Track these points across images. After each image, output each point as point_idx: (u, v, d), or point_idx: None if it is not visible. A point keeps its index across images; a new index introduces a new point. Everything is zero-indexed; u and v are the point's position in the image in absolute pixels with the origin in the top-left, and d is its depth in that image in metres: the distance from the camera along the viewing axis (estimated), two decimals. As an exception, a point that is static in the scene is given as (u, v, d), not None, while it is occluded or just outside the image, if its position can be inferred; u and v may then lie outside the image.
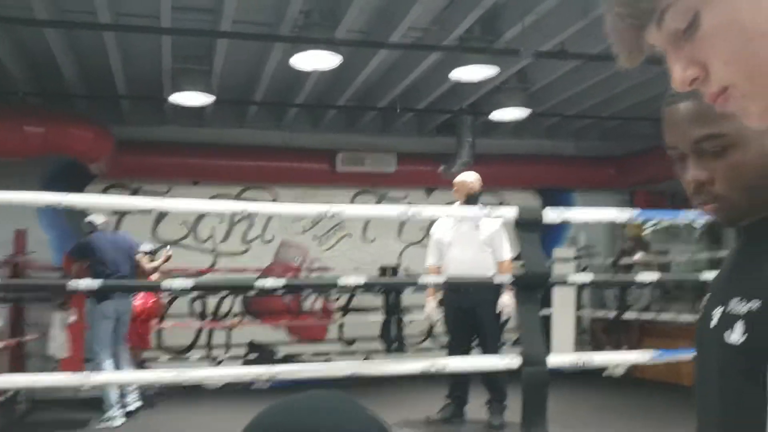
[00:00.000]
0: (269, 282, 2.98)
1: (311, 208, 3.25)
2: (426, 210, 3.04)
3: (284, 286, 3.29)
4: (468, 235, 5.44)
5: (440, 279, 3.28)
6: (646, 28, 0.73)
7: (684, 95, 0.97)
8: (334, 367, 2.96)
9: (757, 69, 0.67)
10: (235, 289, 6.62)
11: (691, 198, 1.16)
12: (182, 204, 3.65)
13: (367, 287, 5.82)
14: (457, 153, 8.44)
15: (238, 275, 7.97)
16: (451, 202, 8.97)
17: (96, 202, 4.19)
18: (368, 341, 8.66)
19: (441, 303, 5.74)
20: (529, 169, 9.07)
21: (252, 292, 7.88)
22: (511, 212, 3.28)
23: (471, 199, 5.45)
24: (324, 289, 7.94)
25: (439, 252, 5.61)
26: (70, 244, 7.89)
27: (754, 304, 0.89)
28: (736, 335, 0.94)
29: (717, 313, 1.03)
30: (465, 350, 5.56)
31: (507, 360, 3.22)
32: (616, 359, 3.80)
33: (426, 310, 5.78)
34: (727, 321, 0.97)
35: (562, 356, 3.32)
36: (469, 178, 5.58)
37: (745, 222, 1.06)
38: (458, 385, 5.66)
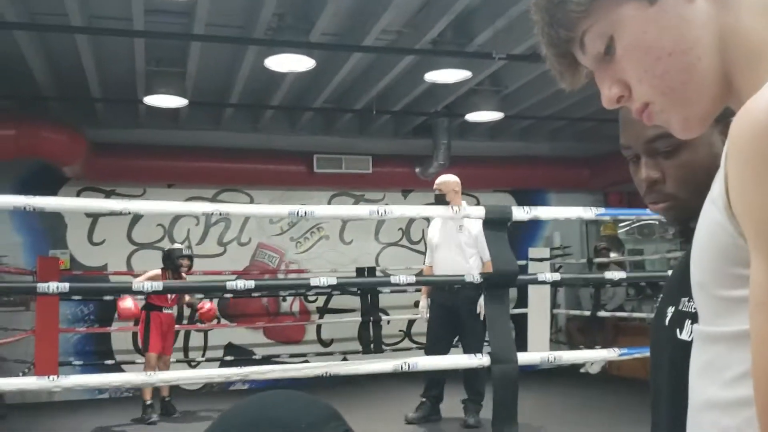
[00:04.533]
0: (240, 282, 2.99)
1: (283, 209, 3.26)
2: (397, 209, 3.08)
3: (257, 288, 3.30)
4: (452, 237, 5.56)
5: (412, 279, 3.32)
6: (574, 54, 0.78)
7: None
8: (307, 367, 2.98)
9: (668, 85, 0.72)
10: (209, 291, 6.57)
11: (644, 197, 1.20)
12: (152, 206, 3.65)
13: (340, 287, 5.86)
14: (433, 155, 8.50)
15: (212, 277, 7.94)
16: (430, 203, 9.02)
17: (67, 205, 4.17)
18: (346, 342, 8.68)
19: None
20: (504, 170, 9.15)
21: (228, 295, 7.86)
22: (479, 211, 3.32)
23: (437, 199, 5.52)
24: (298, 289, 7.97)
25: (431, 253, 5.83)
26: (43, 247, 7.89)
27: None
28: (686, 333, 0.98)
29: (670, 311, 1.07)
30: (444, 348, 5.63)
31: (477, 359, 3.27)
32: (585, 356, 3.86)
33: (420, 307, 5.96)
34: (679, 319, 1.02)
35: (531, 354, 3.37)
36: (451, 178, 5.62)
37: (694, 222, 1.10)
38: (434, 383, 5.73)
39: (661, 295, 1.15)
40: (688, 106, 0.73)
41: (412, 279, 3.35)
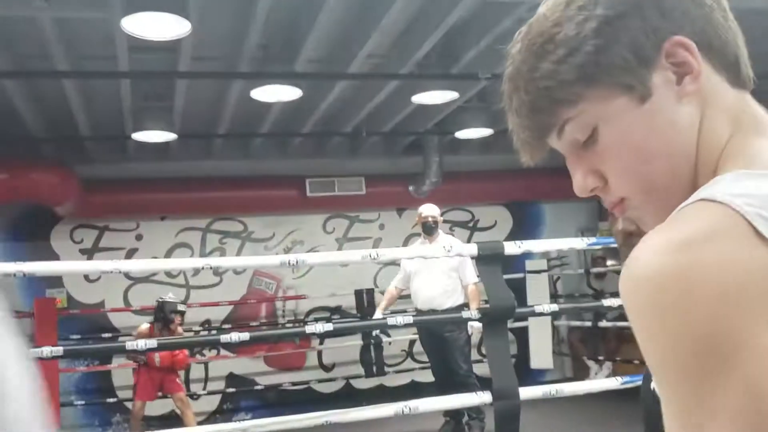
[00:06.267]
0: (234, 336, 2.96)
1: (275, 260, 3.23)
2: (389, 252, 3.06)
3: (251, 339, 3.27)
4: (432, 264, 5.59)
5: (407, 319, 3.29)
6: (547, 138, 0.76)
7: None
8: (308, 417, 2.95)
9: (649, 186, 0.71)
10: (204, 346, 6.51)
11: (620, 248, 1.19)
12: (143, 265, 3.63)
13: (337, 332, 5.93)
14: (425, 172, 8.49)
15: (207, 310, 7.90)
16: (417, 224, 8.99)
17: (57, 269, 4.15)
18: (348, 365, 8.63)
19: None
20: (497, 184, 9.13)
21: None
22: (471, 249, 3.30)
23: (427, 228, 5.77)
24: (293, 338, 8.00)
25: (405, 278, 5.96)
26: (39, 287, 7.84)
27: None
28: None
29: None
30: (443, 368, 5.81)
31: (478, 397, 3.24)
32: (586, 388, 3.83)
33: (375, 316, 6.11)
34: None
35: (533, 388, 3.34)
36: (426, 210, 5.86)
37: None
38: None
39: None
40: (666, 208, 0.71)
41: (410, 319, 3.33)
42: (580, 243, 3.43)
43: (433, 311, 5.64)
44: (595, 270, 8.73)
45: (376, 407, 3.06)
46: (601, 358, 8.20)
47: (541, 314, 3.67)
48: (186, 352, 6.47)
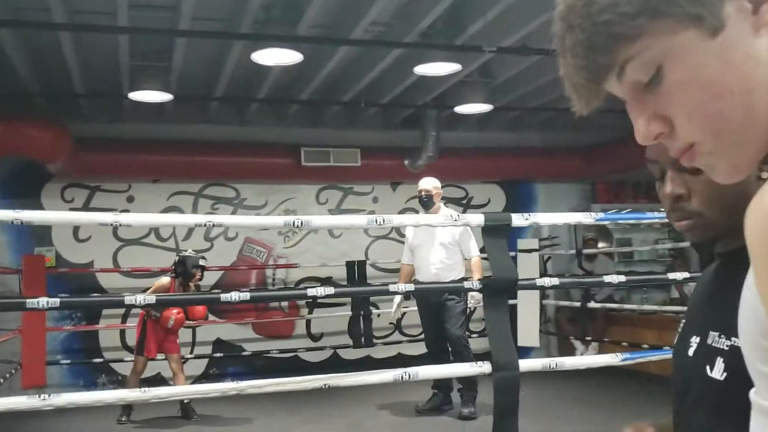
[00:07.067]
0: (235, 295, 2.93)
1: (279, 220, 3.18)
2: (395, 218, 3.02)
3: (252, 299, 3.24)
4: (432, 236, 5.57)
5: (409, 286, 3.26)
6: (605, 81, 0.70)
7: None
8: (309, 379, 2.92)
9: (724, 127, 0.65)
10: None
11: (667, 214, 1.14)
12: (143, 218, 3.56)
13: (338, 296, 5.92)
14: (422, 146, 8.44)
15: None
16: (416, 197, 8.97)
17: (56, 219, 4.07)
18: (336, 336, 8.63)
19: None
20: (492, 161, 9.10)
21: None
22: (477, 219, 3.26)
23: (422, 201, 5.78)
24: (295, 299, 7.95)
25: (410, 252, 5.95)
26: (27, 245, 7.75)
27: (735, 342, 0.88)
28: (717, 371, 0.93)
29: (694, 341, 1.02)
30: (439, 339, 5.85)
31: (478, 367, 3.23)
32: (587, 362, 3.83)
33: (394, 302, 6.07)
34: (707, 354, 0.97)
35: (533, 360, 3.33)
36: (435, 181, 5.84)
37: (722, 248, 1.05)
38: None
39: (684, 320, 1.10)
40: (741, 151, 0.66)
41: (411, 287, 3.30)
42: (588, 218, 3.40)
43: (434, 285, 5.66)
44: (586, 251, 8.74)
45: (375, 372, 3.04)
46: (588, 338, 8.23)
47: (541, 287, 3.66)
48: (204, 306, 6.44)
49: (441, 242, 5.57)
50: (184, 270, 6.04)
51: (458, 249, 5.66)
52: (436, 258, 5.67)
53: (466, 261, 5.69)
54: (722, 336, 0.93)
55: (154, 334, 6.06)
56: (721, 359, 0.92)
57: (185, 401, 6.09)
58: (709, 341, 0.97)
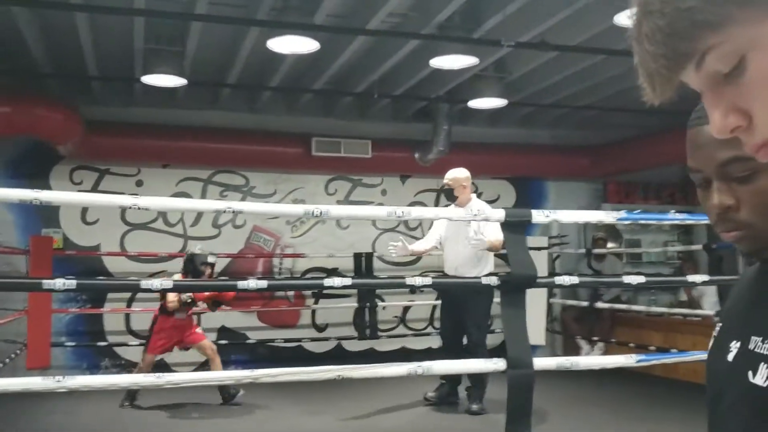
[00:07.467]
0: (252, 283, 2.89)
1: (298, 209, 3.14)
2: (415, 211, 2.98)
3: (269, 288, 3.21)
4: (459, 231, 5.53)
5: (426, 281, 3.22)
6: (683, 69, 0.66)
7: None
8: (321, 370, 2.89)
9: None
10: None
11: (714, 225, 1.11)
12: (161, 202, 3.53)
13: (353, 287, 5.84)
14: (433, 140, 8.39)
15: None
16: (427, 190, 8.93)
17: (77, 200, 4.04)
18: (341, 327, 8.61)
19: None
20: (503, 157, 9.05)
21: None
22: (498, 214, 3.22)
23: (445, 193, 5.71)
24: (311, 289, 7.90)
25: (436, 241, 5.85)
26: (35, 226, 7.73)
27: None
28: (760, 377, 0.90)
29: (734, 346, 0.99)
30: (456, 334, 5.85)
31: (492, 363, 3.20)
32: (602, 362, 3.79)
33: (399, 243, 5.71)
34: (749, 359, 0.94)
35: (547, 359, 3.30)
36: (461, 173, 5.74)
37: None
38: None
39: (720, 324, 1.07)
40: None
41: (429, 281, 3.27)
42: (608, 216, 3.36)
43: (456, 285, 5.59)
44: (596, 251, 8.70)
45: (389, 365, 3.01)
46: (595, 338, 8.20)
47: (560, 286, 3.62)
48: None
49: (466, 236, 5.46)
50: (194, 267, 6.05)
51: (484, 241, 5.50)
52: (461, 252, 5.58)
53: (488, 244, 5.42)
54: (766, 341, 0.90)
55: (162, 334, 6.05)
56: (765, 365, 0.89)
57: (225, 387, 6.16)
58: (751, 346, 0.94)
